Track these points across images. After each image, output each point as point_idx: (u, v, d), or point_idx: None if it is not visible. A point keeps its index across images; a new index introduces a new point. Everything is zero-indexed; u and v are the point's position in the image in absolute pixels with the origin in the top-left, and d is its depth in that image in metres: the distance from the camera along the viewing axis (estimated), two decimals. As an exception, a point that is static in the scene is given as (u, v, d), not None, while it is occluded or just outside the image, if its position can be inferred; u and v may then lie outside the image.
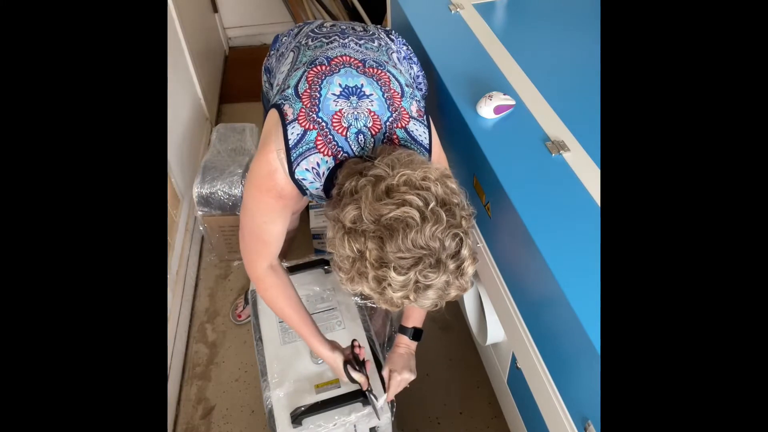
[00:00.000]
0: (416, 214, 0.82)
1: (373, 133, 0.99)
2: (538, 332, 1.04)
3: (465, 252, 0.86)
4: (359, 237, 0.85)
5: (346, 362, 1.20)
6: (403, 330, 1.29)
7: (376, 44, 1.16)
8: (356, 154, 0.98)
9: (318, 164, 0.97)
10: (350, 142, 0.98)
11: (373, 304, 1.38)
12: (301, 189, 0.99)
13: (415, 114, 1.03)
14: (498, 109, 1.16)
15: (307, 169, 0.97)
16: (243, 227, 1.09)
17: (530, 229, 0.95)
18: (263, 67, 1.30)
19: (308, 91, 0.99)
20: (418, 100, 1.05)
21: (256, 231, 1.07)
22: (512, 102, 1.17)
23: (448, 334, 1.78)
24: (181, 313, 1.79)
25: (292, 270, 1.50)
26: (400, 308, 0.90)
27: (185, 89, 2.12)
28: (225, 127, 2.05)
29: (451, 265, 0.85)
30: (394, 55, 1.20)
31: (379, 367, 1.29)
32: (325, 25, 1.20)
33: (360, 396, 1.21)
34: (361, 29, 1.20)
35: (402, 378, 1.26)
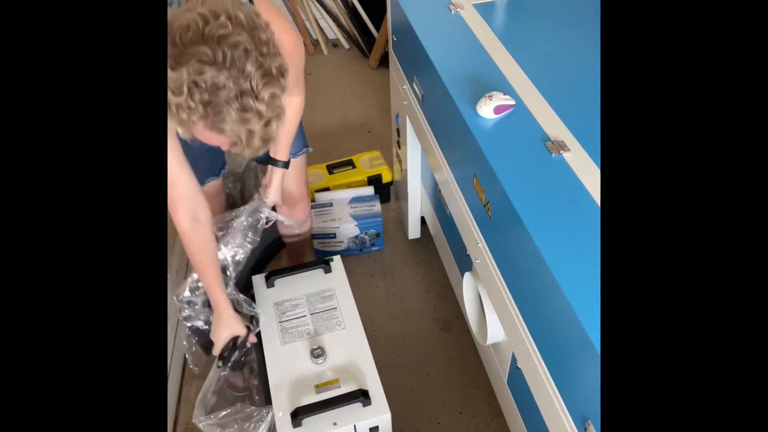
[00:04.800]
0: (199, 19, 0.86)
1: None
2: (538, 332, 1.04)
3: (249, 67, 0.87)
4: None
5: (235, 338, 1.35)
6: (274, 162, 1.40)
7: None
8: None
9: None
10: None
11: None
12: None
13: None
14: (498, 109, 1.16)
15: None
16: None
17: (530, 229, 0.95)
18: None
19: None
20: None
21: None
22: (512, 102, 1.17)
23: (448, 334, 1.77)
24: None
25: (291, 270, 1.51)
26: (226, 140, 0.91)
27: (185, 89, 2.11)
28: (225, 127, 2.05)
29: (233, 71, 0.86)
30: None
31: None
32: None
33: (360, 396, 1.21)
34: None
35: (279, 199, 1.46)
